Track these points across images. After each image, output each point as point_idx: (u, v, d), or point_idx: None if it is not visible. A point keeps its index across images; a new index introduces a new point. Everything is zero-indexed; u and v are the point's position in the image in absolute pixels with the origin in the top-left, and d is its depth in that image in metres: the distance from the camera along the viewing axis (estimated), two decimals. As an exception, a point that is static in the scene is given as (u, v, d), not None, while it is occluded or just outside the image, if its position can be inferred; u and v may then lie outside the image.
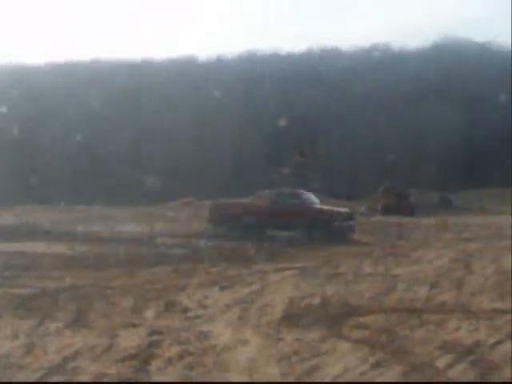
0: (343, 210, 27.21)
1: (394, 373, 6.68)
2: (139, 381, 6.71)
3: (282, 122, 62.02)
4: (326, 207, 27.04)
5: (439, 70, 72.13)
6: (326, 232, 24.26)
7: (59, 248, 20.00)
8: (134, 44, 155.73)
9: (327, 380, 6.60)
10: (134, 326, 9.08)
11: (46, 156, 60.16)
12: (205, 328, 8.81)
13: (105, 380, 6.70)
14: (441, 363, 6.97)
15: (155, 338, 8.25)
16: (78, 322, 9.38)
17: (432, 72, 72.77)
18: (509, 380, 6.50)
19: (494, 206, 44.94)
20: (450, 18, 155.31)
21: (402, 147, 61.94)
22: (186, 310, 10.18)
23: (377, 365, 6.94)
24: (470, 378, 6.51)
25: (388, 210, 45.23)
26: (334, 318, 9.21)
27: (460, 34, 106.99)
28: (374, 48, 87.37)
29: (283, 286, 12.25)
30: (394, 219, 36.58)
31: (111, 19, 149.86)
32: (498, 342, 7.79)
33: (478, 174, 59.71)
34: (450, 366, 6.88)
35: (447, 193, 51.13)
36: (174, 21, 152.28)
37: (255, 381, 6.64)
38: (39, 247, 20.12)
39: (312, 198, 27.44)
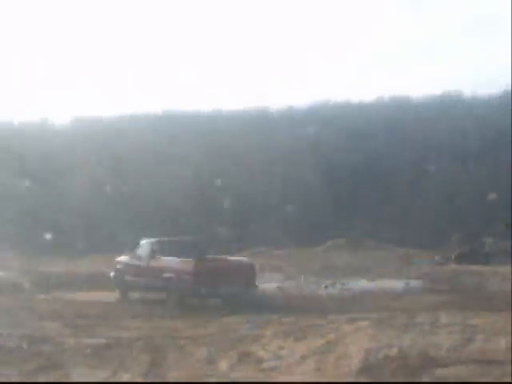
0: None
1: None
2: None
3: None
4: None
5: (512, 117, 71.06)
6: None
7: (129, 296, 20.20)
8: (204, 96, 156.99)
9: None
10: (208, 377, 8.96)
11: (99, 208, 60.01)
12: (281, 379, 8.62)
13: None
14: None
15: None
16: (152, 373, 9.30)
17: (505, 119, 71.64)
18: None
19: None
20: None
21: (475, 195, 60.99)
22: (260, 360, 10.02)
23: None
24: None
25: (463, 259, 44.16)
26: (413, 370, 8.93)
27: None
28: (445, 95, 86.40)
29: (359, 336, 11.96)
30: (469, 268, 35.72)
31: (179, 70, 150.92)
32: None
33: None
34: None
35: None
36: (244, 71, 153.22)
37: None
38: (110, 296, 20.33)
39: None
